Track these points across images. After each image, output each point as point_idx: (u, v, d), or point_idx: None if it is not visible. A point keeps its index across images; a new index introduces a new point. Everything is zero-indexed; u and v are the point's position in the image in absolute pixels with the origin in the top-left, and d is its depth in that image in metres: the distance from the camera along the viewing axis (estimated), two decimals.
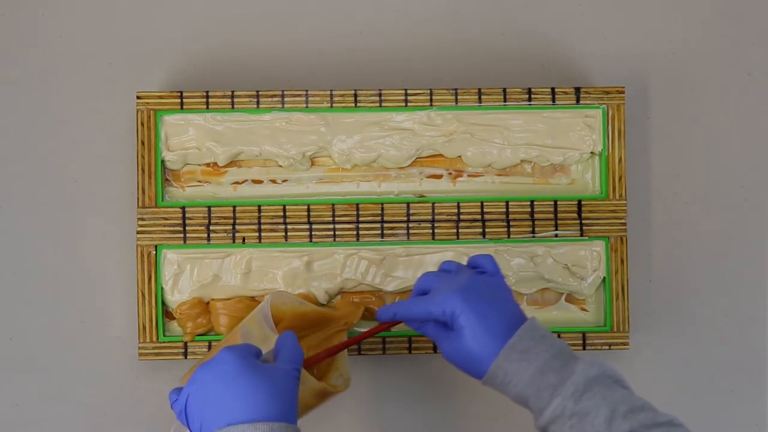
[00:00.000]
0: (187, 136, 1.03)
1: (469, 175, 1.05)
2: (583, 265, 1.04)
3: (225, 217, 1.03)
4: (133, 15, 1.08)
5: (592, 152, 1.05)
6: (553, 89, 1.04)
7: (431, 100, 1.03)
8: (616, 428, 0.76)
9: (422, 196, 1.04)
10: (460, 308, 0.82)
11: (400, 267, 1.03)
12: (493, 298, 0.84)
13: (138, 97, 1.02)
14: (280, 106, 1.03)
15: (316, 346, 0.95)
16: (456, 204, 1.04)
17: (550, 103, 1.04)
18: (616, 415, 0.77)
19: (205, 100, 1.02)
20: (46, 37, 1.08)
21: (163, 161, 1.03)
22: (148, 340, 1.02)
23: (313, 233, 1.03)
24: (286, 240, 1.03)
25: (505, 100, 1.03)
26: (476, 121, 1.04)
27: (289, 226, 1.03)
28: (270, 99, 1.03)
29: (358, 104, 1.03)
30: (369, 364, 1.05)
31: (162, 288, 1.02)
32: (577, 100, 1.04)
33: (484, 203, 1.04)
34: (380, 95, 1.03)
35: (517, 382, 0.81)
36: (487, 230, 1.04)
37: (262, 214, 1.03)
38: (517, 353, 0.81)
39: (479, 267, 0.88)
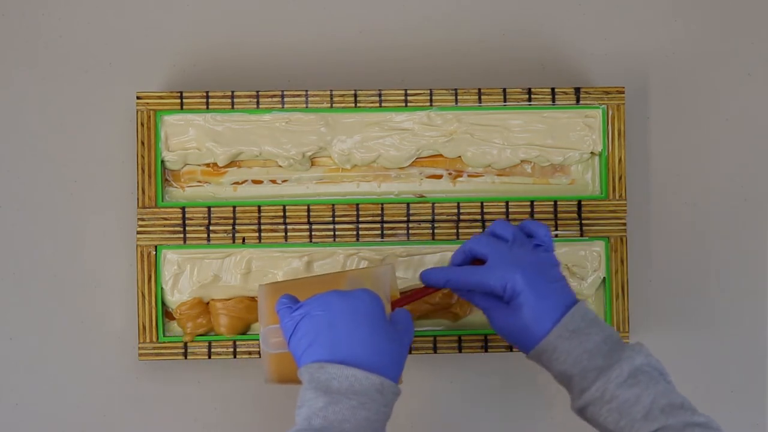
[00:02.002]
0: (187, 136, 1.03)
1: (469, 175, 1.05)
2: (583, 265, 1.04)
3: (225, 218, 1.03)
4: (133, 15, 1.08)
5: (592, 152, 1.05)
6: (553, 89, 1.04)
7: (431, 100, 1.03)
8: (653, 420, 0.77)
9: (422, 196, 1.04)
10: (521, 287, 0.83)
11: (400, 267, 1.03)
12: (550, 277, 0.85)
13: (138, 97, 1.02)
14: (280, 106, 1.03)
15: None
16: (456, 204, 1.04)
17: (550, 103, 1.04)
18: (654, 408, 0.78)
19: (205, 100, 1.02)
20: (46, 37, 1.08)
21: (163, 161, 1.03)
22: (148, 340, 1.02)
23: (313, 233, 1.03)
24: (286, 240, 1.03)
25: (505, 100, 1.03)
26: (476, 121, 1.04)
27: (289, 227, 1.03)
28: (270, 99, 1.03)
29: (358, 104, 1.03)
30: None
31: (162, 288, 1.02)
32: (577, 100, 1.04)
33: (484, 203, 1.04)
34: (380, 95, 1.03)
35: (564, 359, 0.82)
36: None
37: (262, 214, 1.03)
38: (569, 332, 0.82)
39: (535, 238, 0.87)
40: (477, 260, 0.88)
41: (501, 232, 0.88)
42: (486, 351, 1.03)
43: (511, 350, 1.02)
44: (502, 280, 0.84)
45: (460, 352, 1.03)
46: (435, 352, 1.03)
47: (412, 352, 1.02)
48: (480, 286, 0.86)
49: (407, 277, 1.03)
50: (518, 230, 0.88)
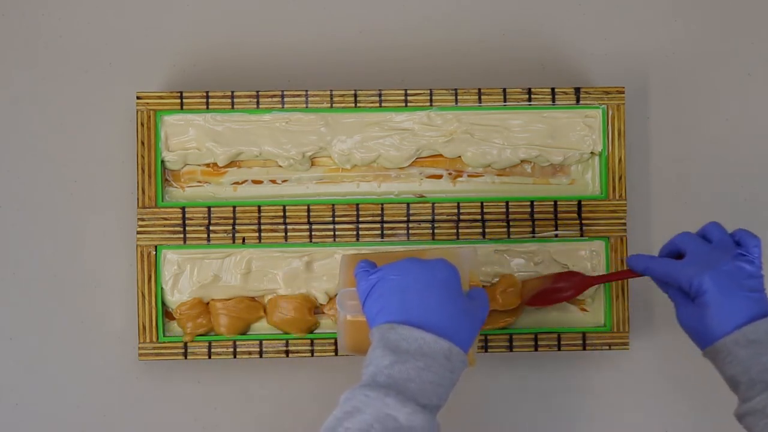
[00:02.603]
0: (187, 136, 1.03)
1: (469, 175, 1.05)
2: (583, 265, 1.04)
3: (225, 218, 1.03)
4: (133, 15, 1.08)
5: (592, 152, 1.05)
6: (553, 89, 1.04)
7: (431, 100, 1.03)
8: None
9: (422, 197, 1.04)
10: (707, 286, 0.83)
11: None
12: (743, 286, 0.84)
13: (138, 97, 1.02)
14: (280, 106, 1.03)
15: None
16: (456, 204, 1.04)
17: (550, 103, 1.04)
18: None
19: (205, 100, 1.02)
20: (46, 37, 1.08)
21: (163, 161, 1.03)
22: (148, 340, 1.02)
23: (313, 233, 1.03)
24: (286, 240, 1.03)
25: (505, 100, 1.03)
26: (476, 121, 1.04)
27: (289, 227, 1.03)
28: (270, 99, 1.03)
29: (358, 104, 1.03)
30: None
31: (162, 288, 1.02)
32: (577, 100, 1.04)
33: (484, 203, 1.04)
34: (380, 95, 1.03)
35: (735, 365, 0.82)
36: (487, 230, 1.04)
37: (262, 214, 1.03)
38: (747, 341, 0.82)
39: (742, 247, 0.87)
40: (680, 256, 0.89)
41: (708, 234, 0.89)
42: (486, 351, 1.03)
43: (512, 350, 1.02)
44: (690, 277, 0.85)
45: None
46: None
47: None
48: (671, 278, 0.87)
49: None
50: (727, 235, 0.88)
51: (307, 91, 1.03)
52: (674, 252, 0.90)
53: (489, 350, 1.02)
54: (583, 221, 1.04)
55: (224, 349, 1.02)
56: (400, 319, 0.78)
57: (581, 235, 1.04)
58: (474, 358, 0.90)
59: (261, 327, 1.04)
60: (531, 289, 1.01)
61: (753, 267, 0.85)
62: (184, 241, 1.02)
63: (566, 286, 0.99)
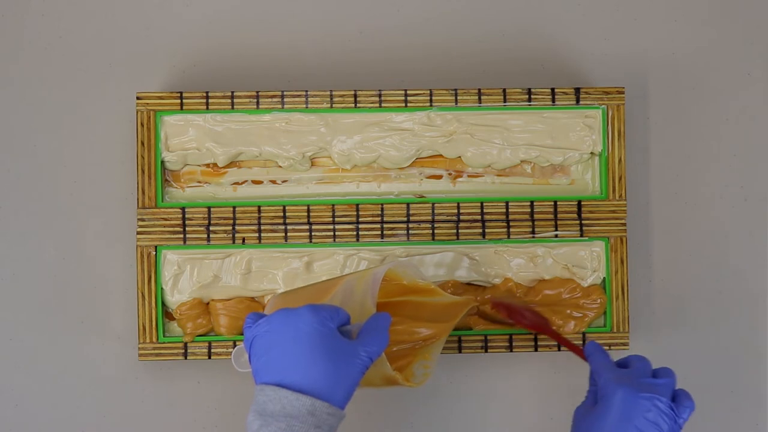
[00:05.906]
0: (186, 136, 1.03)
1: (469, 176, 1.05)
2: (583, 265, 1.04)
3: (225, 218, 1.03)
4: (133, 15, 1.08)
5: (592, 152, 1.05)
6: (552, 89, 1.04)
7: (431, 100, 1.03)
8: None
9: (422, 197, 1.04)
10: (612, 399, 0.81)
11: (400, 268, 1.03)
12: (642, 422, 0.81)
13: (138, 98, 1.02)
14: (280, 106, 1.03)
15: (401, 341, 0.93)
16: (456, 204, 1.04)
17: (550, 103, 1.04)
18: None
19: (204, 100, 1.02)
20: (46, 37, 1.08)
21: (162, 162, 1.03)
22: (148, 340, 1.02)
23: (312, 234, 1.03)
24: (285, 240, 1.03)
25: (504, 101, 1.03)
26: (476, 122, 1.04)
27: (288, 227, 1.03)
28: (270, 99, 1.03)
29: (358, 105, 1.03)
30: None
31: (162, 288, 1.02)
32: (577, 101, 1.04)
33: (484, 203, 1.04)
34: (380, 95, 1.03)
35: None
36: (487, 230, 1.04)
37: (261, 214, 1.03)
38: None
39: (678, 405, 0.82)
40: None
41: (663, 374, 0.85)
42: (486, 351, 1.03)
43: (511, 350, 1.02)
44: (608, 379, 0.83)
45: (460, 352, 1.03)
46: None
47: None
48: (596, 371, 0.85)
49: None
50: (672, 386, 0.84)
51: (307, 91, 1.03)
52: (622, 364, 0.87)
53: (489, 350, 1.03)
54: (583, 221, 1.04)
55: (224, 350, 1.02)
56: (268, 378, 0.76)
57: (581, 236, 1.04)
58: (429, 373, 0.89)
59: None
60: (502, 298, 1.02)
61: (665, 422, 0.81)
62: (184, 242, 1.02)
63: (529, 317, 0.97)
